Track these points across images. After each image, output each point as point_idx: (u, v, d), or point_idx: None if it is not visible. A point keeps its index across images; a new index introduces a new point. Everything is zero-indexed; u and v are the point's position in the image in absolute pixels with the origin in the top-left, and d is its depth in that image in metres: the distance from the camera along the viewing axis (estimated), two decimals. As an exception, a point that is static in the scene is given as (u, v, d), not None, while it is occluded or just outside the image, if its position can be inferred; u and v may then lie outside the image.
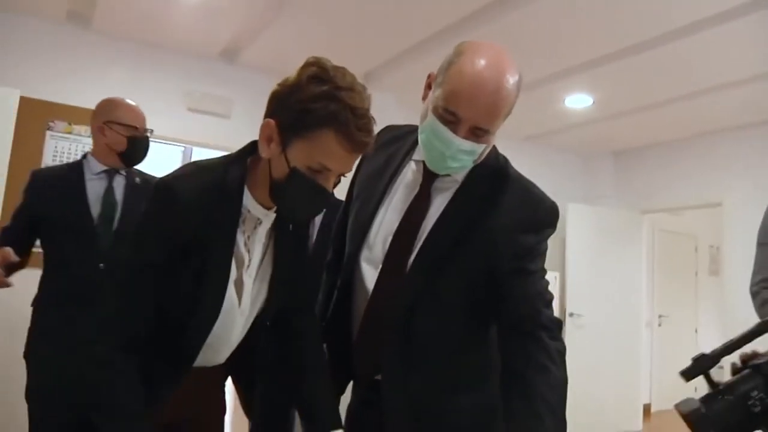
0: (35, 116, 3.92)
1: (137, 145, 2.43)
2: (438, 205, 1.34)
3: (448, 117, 1.21)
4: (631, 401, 6.24)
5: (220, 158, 1.25)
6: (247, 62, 4.56)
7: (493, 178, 1.34)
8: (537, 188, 1.37)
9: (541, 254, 1.33)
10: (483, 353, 1.36)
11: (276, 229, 1.31)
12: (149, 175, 2.55)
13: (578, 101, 5.11)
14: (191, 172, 1.22)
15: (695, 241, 8.09)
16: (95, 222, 2.30)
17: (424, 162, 1.34)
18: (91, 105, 4.07)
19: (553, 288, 5.57)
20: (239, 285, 1.26)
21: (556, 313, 1.31)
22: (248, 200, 1.23)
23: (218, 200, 1.17)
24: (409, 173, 1.40)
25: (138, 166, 2.50)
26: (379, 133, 1.54)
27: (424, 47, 4.11)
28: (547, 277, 1.34)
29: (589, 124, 5.69)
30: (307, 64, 1.15)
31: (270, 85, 1.21)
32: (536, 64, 4.30)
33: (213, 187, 1.17)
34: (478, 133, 1.22)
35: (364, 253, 1.37)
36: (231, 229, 1.21)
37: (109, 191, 2.38)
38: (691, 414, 0.86)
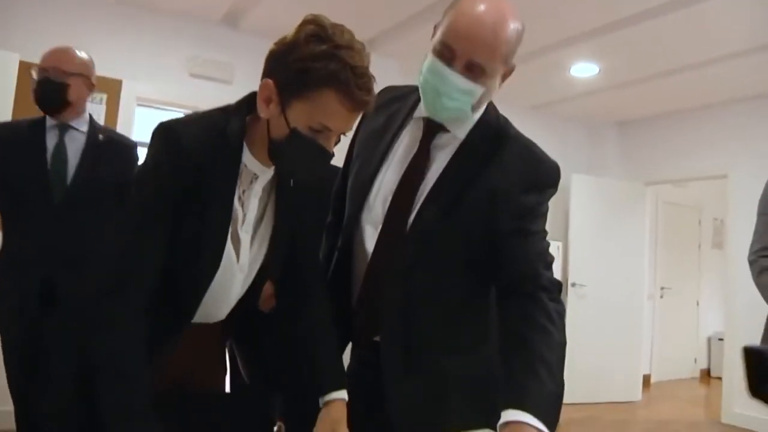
0: (36, 81, 3.88)
1: (43, 88, 2.30)
2: (438, 163, 1.33)
3: (445, 52, 1.22)
4: (632, 372, 6.29)
5: (219, 108, 1.24)
6: (249, 27, 4.51)
7: (494, 137, 1.33)
8: (538, 148, 1.36)
9: (542, 215, 1.32)
10: (481, 315, 1.36)
11: (276, 187, 1.30)
12: (118, 135, 2.50)
13: (584, 70, 5.06)
14: (193, 118, 1.21)
15: (699, 214, 8.08)
16: (49, 176, 2.26)
17: (424, 119, 1.34)
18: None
19: (556, 258, 5.59)
20: (236, 240, 1.25)
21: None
22: (246, 155, 1.22)
23: (219, 148, 1.16)
24: (410, 132, 1.39)
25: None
26: (379, 94, 1.52)
27: (428, 14, 4.04)
28: (550, 246, 1.34)
29: (595, 94, 5.63)
30: (305, 22, 1.13)
31: (271, 51, 1.19)
32: (542, 32, 4.23)
33: (215, 135, 1.16)
34: (474, 70, 1.22)
35: (365, 214, 1.37)
36: (230, 181, 1.19)
37: (60, 147, 2.32)
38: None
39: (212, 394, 1.38)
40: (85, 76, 2.42)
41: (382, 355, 1.33)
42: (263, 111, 1.16)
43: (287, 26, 1.15)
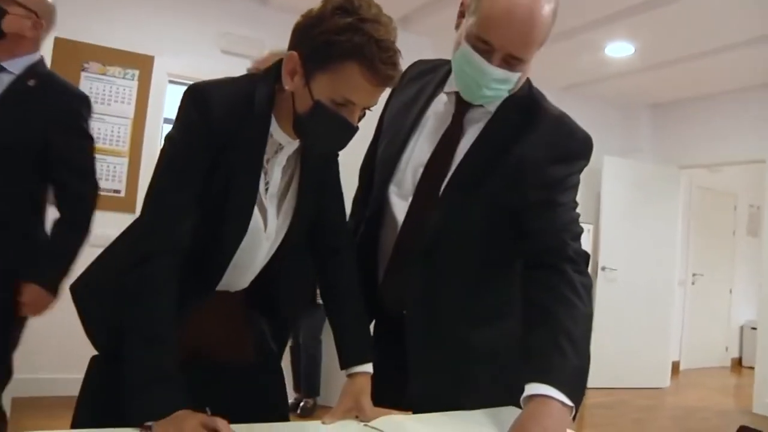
0: (70, 57, 3.94)
1: None
2: (470, 135, 1.32)
3: (482, 45, 1.19)
4: (660, 358, 6.21)
5: (246, 75, 1.24)
6: (280, 3, 4.48)
7: (527, 108, 1.32)
8: (570, 119, 1.34)
9: (572, 187, 1.30)
10: (506, 288, 1.35)
11: (301, 159, 1.30)
12: (59, 82, 2.13)
13: (619, 49, 4.95)
14: (223, 81, 1.21)
15: (734, 200, 7.90)
16: None
17: (456, 93, 1.32)
18: (125, 47, 4.13)
19: (587, 241, 5.58)
20: (262, 209, 1.25)
21: (589, 266, 1.28)
22: (273, 125, 1.22)
23: (247, 115, 1.16)
24: (441, 105, 1.38)
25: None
26: (409, 67, 1.52)
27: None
28: (579, 219, 1.31)
29: (629, 74, 5.52)
30: None
31: (302, 27, 1.17)
32: (576, 10, 4.13)
33: (244, 101, 1.16)
34: (512, 62, 1.20)
35: (393, 186, 1.37)
36: (258, 149, 1.19)
37: None
38: None
39: (232, 365, 1.39)
40: (33, 11, 2.04)
41: (407, 327, 1.33)
42: (288, 83, 1.15)
43: (317, 3, 1.14)
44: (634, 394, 5.76)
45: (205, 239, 1.19)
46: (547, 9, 1.17)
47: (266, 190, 1.26)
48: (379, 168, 1.43)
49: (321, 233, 1.41)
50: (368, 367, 1.32)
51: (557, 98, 5.61)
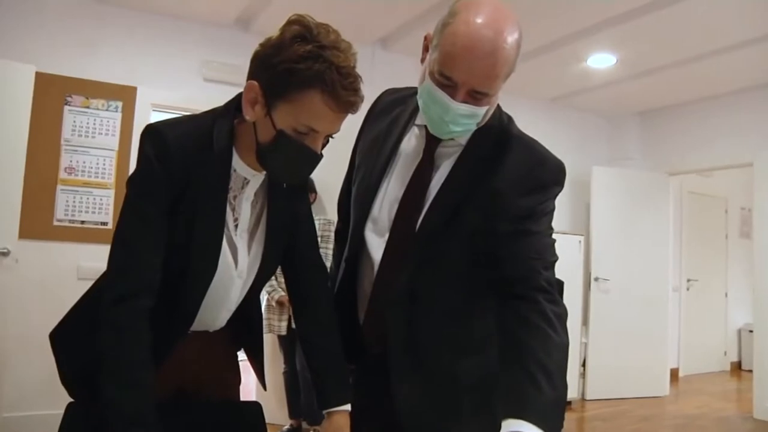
0: (52, 91, 3.94)
1: None
2: (443, 170, 1.31)
3: (444, 81, 1.17)
4: (658, 366, 6.18)
5: (207, 111, 1.23)
6: (262, 30, 4.49)
7: (497, 138, 1.30)
8: (541, 147, 1.32)
9: (546, 214, 1.29)
10: (487, 319, 1.33)
11: (268, 190, 1.29)
12: None
13: (601, 60, 4.97)
14: (181, 119, 1.21)
15: (726, 203, 7.92)
16: None
17: (426, 127, 1.31)
18: (107, 78, 4.13)
19: (578, 252, 5.60)
20: (232, 246, 1.25)
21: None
22: (235, 159, 1.21)
23: (207, 152, 1.16)
24: (413, 139, 1.36)
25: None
26: (379, 97, 1.51)
27: (440, 9, 3.99)
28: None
29: (614, 84, 5.53)
30: (290, 23, 1.11)
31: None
32: (557, 23, 4.15)
33: (203, 136, 1.16)
34: (477, 97, 1.18)
35: (370, 224, 1.35)
36: (220, 186, 1.19)
37: None
38: None
39: (214, 403, 1.37)
40: None
41: (389, 360, 1.31)
42: (249, 113, 1.15)
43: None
44: (634, 404, 5.72)
45: (175, 279, 1.18)
46: (510, 41, 1.14)
47: (236, 226, 1.25)
48: (355, 206, 1.41)
49: (295, 267, 1.40)
50: (347, 406, 1.32)
51: (545, 110, 5.66)
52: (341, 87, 1.07)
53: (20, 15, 3.92)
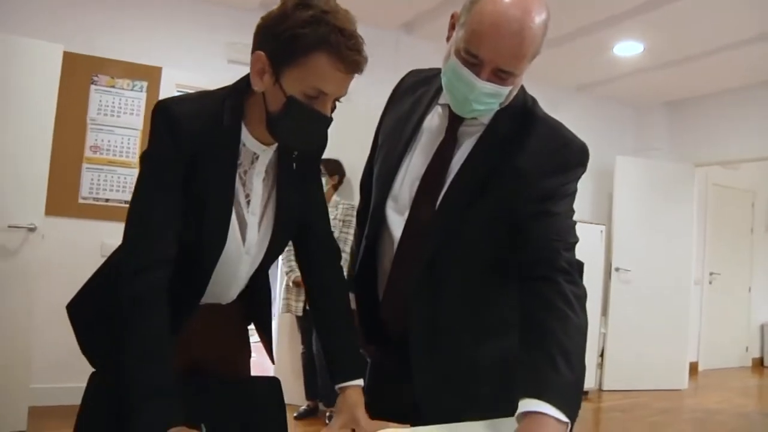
0: (79, 71, 4.00)
1: None
2: (465, 148, 1.31)
3: (470, 59, 1.17)
4: (678, 359, 6.13)
5: (217, 89, 1.26)
6: (286, 13, 4.50)
7: (521, 119, 1.30)
8: (565, 129, 1.32)
9: (568, 195, 1.28)
10: (508, 302, 1.33)
11: (278, 168, 1.31)
12: None
13: (628, 49, 4.90)
14: (191, 95, 1.24)
15: (752, 197, 7.79)
16: None
17: (449, 105, 1.31)
18: (133, 58, 4.17)
19: (599, 242, 5.55)
20: (242, 223, 1.27)
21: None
22: (244, 134, 1.23)
23: (217, 128, 1.18)
24: (435, 118, 1.36)
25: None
26: (402, 79, 1.52)
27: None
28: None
29: (640, 73, 5.46)
30: None
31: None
32: (583, 11, 4.06)
33: (213, 111, 1.19)
34: (501, 76, 1.18)
35: (391, 202, 1.36)
36: (230, 161, 1.21)
37: None
38: None
39: (227, 378, 1.39)
40: None
41: (410, 341, 1.32)
42: (257, 84, 1.17)
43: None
44: (652, 396, 5.69)
45: (186, 252, 1.20)
46: (537, 21, 1.14)
47: (248, 203, 1.27)
48: (376, 184, 1.42)
49: (307, 247, 1.42)
50: (360, 381, 1.33)
51: (569, 98, 5.59)
52: (346, 47, 1.10)
53: (49, -6, 3.96)
